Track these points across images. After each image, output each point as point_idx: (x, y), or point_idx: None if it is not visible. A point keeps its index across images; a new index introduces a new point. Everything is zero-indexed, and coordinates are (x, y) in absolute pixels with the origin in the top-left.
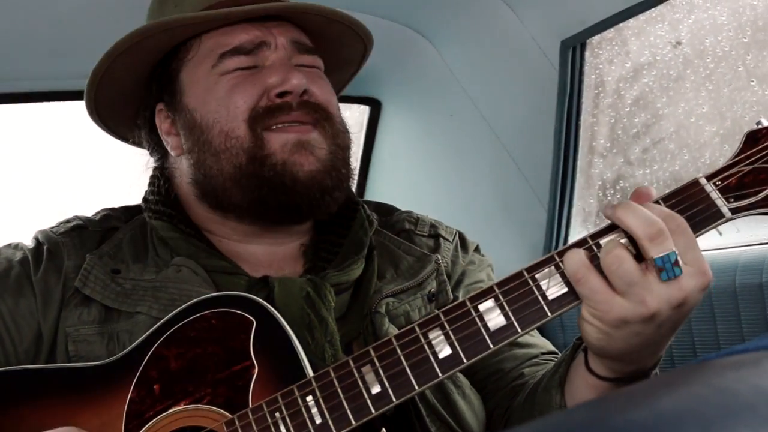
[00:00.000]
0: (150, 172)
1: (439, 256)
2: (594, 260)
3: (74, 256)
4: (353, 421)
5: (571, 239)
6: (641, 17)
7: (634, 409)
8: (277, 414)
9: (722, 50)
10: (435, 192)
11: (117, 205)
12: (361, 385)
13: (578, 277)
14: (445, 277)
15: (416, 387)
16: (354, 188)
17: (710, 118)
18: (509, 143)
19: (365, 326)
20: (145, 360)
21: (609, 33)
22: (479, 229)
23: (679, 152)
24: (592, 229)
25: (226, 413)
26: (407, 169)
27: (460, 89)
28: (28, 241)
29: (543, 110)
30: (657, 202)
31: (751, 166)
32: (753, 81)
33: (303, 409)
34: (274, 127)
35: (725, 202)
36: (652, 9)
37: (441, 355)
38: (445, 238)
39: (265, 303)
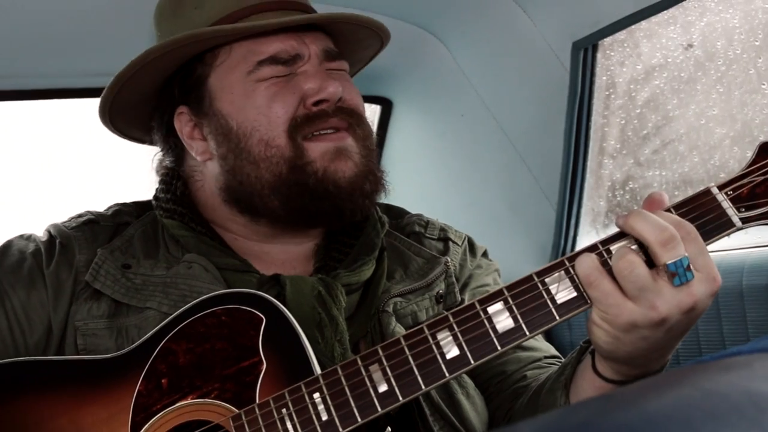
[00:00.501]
0: (157, 170)
1: (448, 259)
2: (605, 266)
3: (86, 251)
4: (359, 419)
5: (580, 240)
6: (653, 19)
7: (620, 411)
8: (284, 410)
9: (734, 53)
10: (445, 191)
11: (129, 200)
12: (368, 383)
13: (590, 280)
14: (453, 279)
15: (423, 386)
16: None
17: (721, 121)
18: (519, 143)
19: (372, 325)
20: (154, 354)
21: (621, 35)
22: (488, 228)
23: (689, 154)
24: (602, 231)
25: (233, 408)
26: (417, 169)
27: (471, 89)
28: (40, 233)
29: (553, 111)
30: (669, 210)
31: (762, 177)
32: (764, 84)
33: (310, 406)
34: (312, 135)
35: (736, 212)
36: (665, 11)
37: (449, 356)
38: (454, 242)
39: (276, 301)
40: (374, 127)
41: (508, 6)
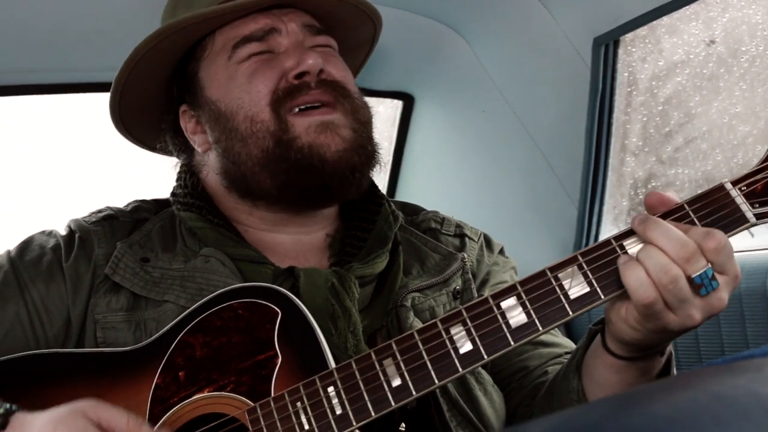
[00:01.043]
0: (177, 169)
1: (465, 255)
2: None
3: (105, 245)
4: (373, 413)
5: (602, 238)
6: (675, 15)
7: (627, 414)
8: (299, 404)
9: (756, 49)
10: (466, 187)
11: (148, 197)
12: (381, 377)
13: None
14: (470, 275)
15: (436, 381)
16: (386, 182)
17: (744, 118)
18: (541, 140)
19: (390, 320)
20: (172, 347)
21: (642, 31)
22: (509, 225)
23: (711, 152)
24: (619, 230)
25: (249, 401)
26: (439, 165)
27: (493, 85)
28: (62, 229)
29: (575, 107)
30: (682, 206)
31: None
32: None
33: (324, 400)
34: (297, 109)
35: (750, 207)
36: (686, 7)
37: (462, 351)
38: (470, 238)
39: (292, 295)
40: (395, 123)
41: (529, 2)
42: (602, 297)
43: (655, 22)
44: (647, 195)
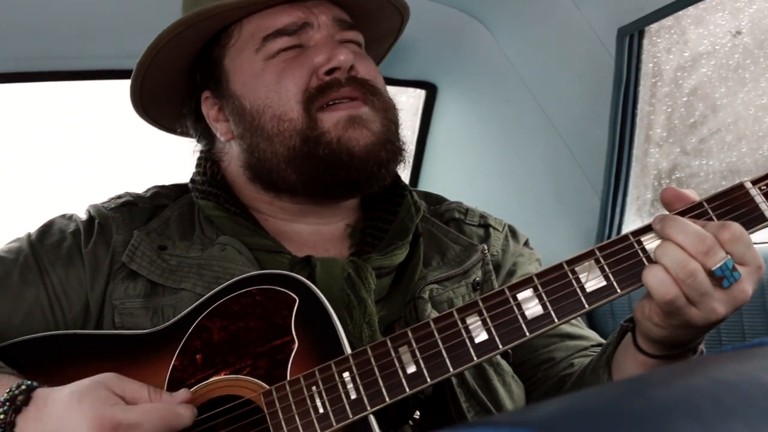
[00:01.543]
0: (197, 155)
1: (485, 246)
2: (643, 253)
3: (123, 231)
4: (387, 398)
5: (625, 229)
6: (701, 5)
7: (628, 400)
8: (314, 388)
9: None
10: (488, 177)
11: (168, 182)
12: (397, 364)
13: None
14: (491, 267)
15: (451, 369)
16: (409, 171)
17: None
18: (564, 130)
19: (408, 311)
20: (190, 330)
21: (667, 21)
22: (532, 215)
23: (736, 144)
24: (648, 221)
25: (265, 384)
26: (461, 154)
27: (516, 75)
28: (82, 213)
29: (599, 98)
30: (700, 204)
31: None
32: None
33: (339, 384)
34: (326, 105)
35: None
36: None
37: (477, 340)
38: (495, 228)
39: (309, 283)
40: (419, 112)
41: None
42: (618, 291)
43: (680, 13)
44: (663, 190)
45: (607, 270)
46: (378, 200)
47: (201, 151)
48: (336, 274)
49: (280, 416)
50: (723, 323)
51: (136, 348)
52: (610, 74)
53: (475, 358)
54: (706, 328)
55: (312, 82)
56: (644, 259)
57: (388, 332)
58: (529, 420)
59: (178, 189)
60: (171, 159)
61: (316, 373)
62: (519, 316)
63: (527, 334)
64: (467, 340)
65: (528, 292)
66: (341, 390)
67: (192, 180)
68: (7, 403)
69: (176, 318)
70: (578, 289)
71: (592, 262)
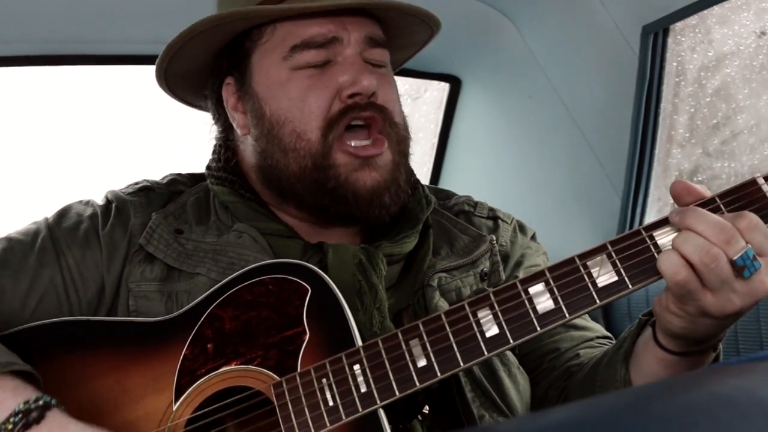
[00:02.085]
0: (213, 142)
1: (494, 237)
2: (655, 248)
3: (141, 214)
4: (397, 392)
5: None
6: (726, 5)
7: (624, 413)
8: (324, 380)
9: None
10: (509, 173)
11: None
12: (407, 357)
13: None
14: (498, 258)
15: (461, 363)
16: (431, 165)
17: None
18: (586, 128)
19: (416, 299)
20: (202, 319)
21: (692, 20)
22: (552, 212)
23: (759, 146)
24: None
25: (275, 376)
26: (483, 148)
27: (540, 70)
28: (99, 200)
29: (622, 96)
30: (713, 199)
31: None
32: None
33: (349, 377)
34: (345, 131)
35: None
36: None
37: (488, 334)
38: (503, 221)
39: (323, 274)
40: (442, 105)
41: None
42: (630, 287)
43: (705, 12)
44: (673, 183)
45: (618, 265)
46: None
47: (217, 138)
48: (347, 260)
49: (290, 409)
50: (741, 331)
51: (147, 336)
52: (634, 72)
53: (486, 353)
54: (724, 321)
55: (334, 106)
56: (656, 254)
57: (396, 320)
58: None
59: (193, 177)
60: (189, 147)
61: (327, 365)
62: (530, 311)
63: (538, 329)
64: (478, 334)
65: (540, 286)
66: (351, 383)
67: (208, 166)
68: (20, 415)
69: (188, 306)
70: (590, 284)
71: (604, 256)
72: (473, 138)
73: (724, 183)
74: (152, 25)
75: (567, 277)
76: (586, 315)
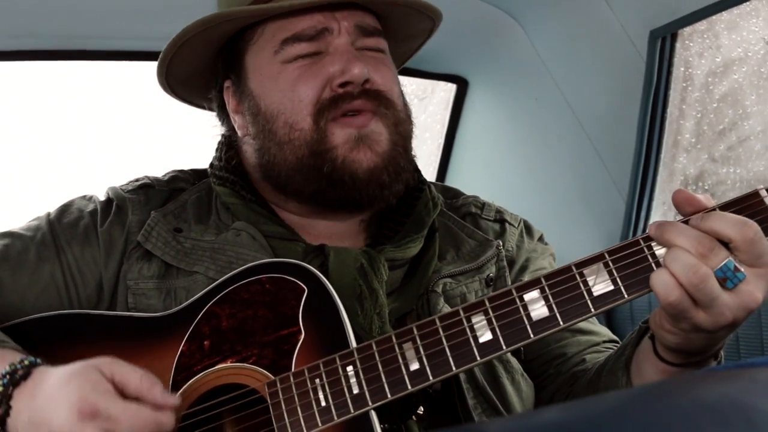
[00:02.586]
0: (217, 138)
1: (500, 242)
2: (653, 258)
3: (139, 212)
4: (389, 395)
5: None
6: (735, 11)
7: (605, 417)
8: (317, 380)
9: None
10: (514, 174)
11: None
12: (400, 360)
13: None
14: (505, 263)
15: (453, 368)
16: (437, 165)
17: None
18: (592, 131)
19: (421, 304)
20: (199, 316)
21: (701, 25)
22: (556, 215)
23: (765, 152)
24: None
25: (269, 374)
26: (489, 150)
27: (546, 73)
28: (101, 195)
29: (628, 100)
30: (714, 209)
31: None
32: None
33: (342, 378)
34: (340, 118)
35: None
36: (747, 3)
37: (481, 340)
38: (510, 224)
39: (319, 274)
40: (449, 106)
41: None
42: (626, 296)
43: (714, 17)
44: (675, 192)
45: (615, 274)
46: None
47: (222, 136)
48: (349, 264)
49: (283, 408)
50: (742, 336)
51: (145, 331)
52: (641, 76)
53: (478, 358)
54: (720, 333)
55: (325, 93)
56: (653, 265)
57: (399, 324)
58: None
59: (196, 174)
60: (193, 143)
61: (321, 365)
62: (524, 317)
63: (531, 336)
64: (471, 339)
65: (535, 293)
66: (344, 384)
67: (211, 165)
68: (7, 376)
69: (186, 303)
70: (585, 293)
71: (601, 265)
72: (479, 139)
73: (729, 189)
74: (160, 21)
75: (562, 284)
76: (594, 319)
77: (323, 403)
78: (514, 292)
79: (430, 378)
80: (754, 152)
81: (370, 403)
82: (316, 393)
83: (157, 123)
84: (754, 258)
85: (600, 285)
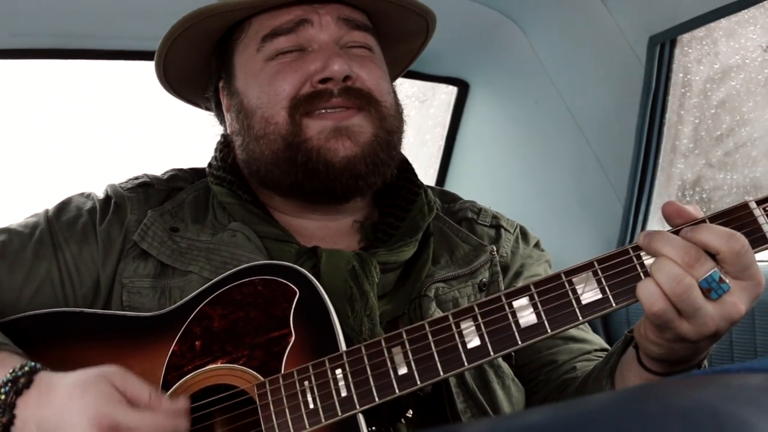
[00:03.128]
0: (217, 137)
1: (494, 248)
2: (642, 267)
3: (137, 211)
4: (377, 398)
5: None
6: (733, 18)
7: (575, 421)
8: (306, 382)
9: None
10: (514, 177)
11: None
12: (389, 364)
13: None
14: (498, 268)
15: (441, 373)
16: (437, 168)
17: None
18: (591, 135)
19: (413, 308)
20: (191, 317)
21: (699, 32)
22: (554, 219)
23: (762, 158)
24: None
25: (259, 376)
26: (489, 153)
27: (546, 77)
28: (100, 193)
29: (627, 105)
30: (704, 221)
31: None
32: None
33: (331, 381)
34: (316, 113)
35: None
36: (745, 10)
37: (469, 346)
38: (506, 229)
39: (311, 277)
40: (450, 109)
41: None
42: (614, 305)
43: (712, 24)
44: (665, 204)
45: (604, 283)
46: (393, 197)
47: (221, 135)
48: (341, 266)
49: (271, 409)
50: (736, 340)
51: (138, 330)
52: (640, 82)
53: (466, 364)
54: (703, 343)
55: (304, 89)
56: (641, 274)
57: (391, 327)
58: None
59: (195, 172)
60: (193, 142)
61: (310, 368)
62: (513, 324)
63: (519, 342)
64: (459, 345)
65: (524, 300)
66: (333, 387)
67: (209, 164)
68: (9, 384)
69: (178, 303)
70: (573, 301)
71: (590, 273)
72: (479, 142)
73: (725, 194)
74: (160, 21)
75: (552, 292)
76: (587, 326)
77: (311, 406)
78: (503, 298)
79: (418, 382)
80: (751, 158)
81: (357, 407)
82: (304, 395)
83: (157, 122)
84: (740, 270)
85: (588, 293)
